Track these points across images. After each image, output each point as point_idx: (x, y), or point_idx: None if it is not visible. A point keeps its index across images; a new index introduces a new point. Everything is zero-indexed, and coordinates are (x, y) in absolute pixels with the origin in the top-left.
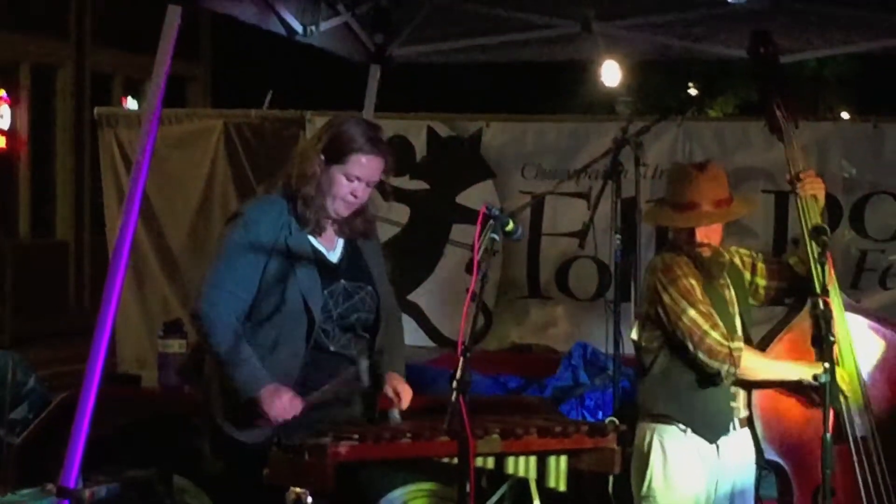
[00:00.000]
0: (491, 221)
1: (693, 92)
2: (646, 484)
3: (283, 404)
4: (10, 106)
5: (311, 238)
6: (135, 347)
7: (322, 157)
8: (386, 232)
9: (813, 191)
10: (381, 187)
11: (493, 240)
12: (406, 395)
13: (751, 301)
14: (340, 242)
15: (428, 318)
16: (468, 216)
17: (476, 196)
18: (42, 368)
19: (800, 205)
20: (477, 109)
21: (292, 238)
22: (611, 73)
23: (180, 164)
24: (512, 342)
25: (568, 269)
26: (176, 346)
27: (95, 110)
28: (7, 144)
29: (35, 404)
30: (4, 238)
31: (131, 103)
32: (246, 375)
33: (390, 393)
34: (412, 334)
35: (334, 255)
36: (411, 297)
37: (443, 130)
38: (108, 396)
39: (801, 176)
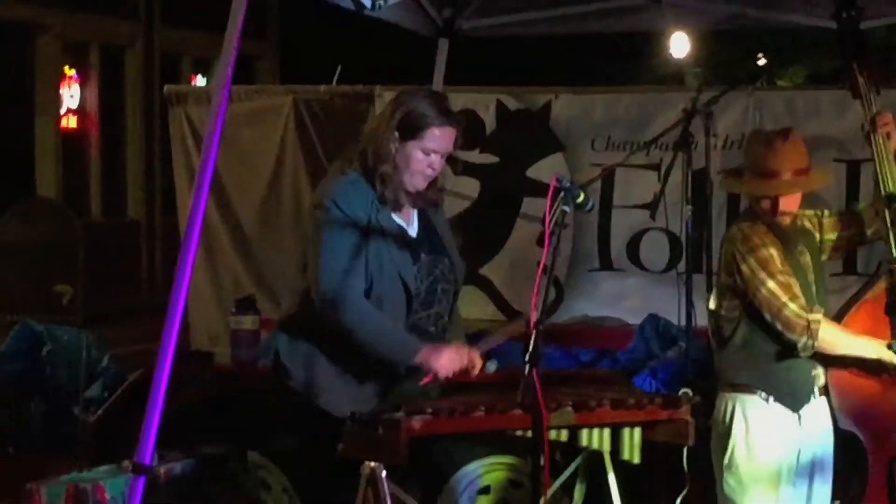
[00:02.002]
0: (562, 194)
1: (762, 62)
2: (728, 454)
3: (449, 358)
4: (81, 86)
5: (393, 215)
6: (207, 325)
7: (396, 135)
8: (456, 206)
9: (887, 129)
10: (449, 160)
11: (565, 212)
12: (477, 361)
13: (823, 258)
14: (415, 216)
15: (499, 292)
16: (538, 189)
17: (546, 169)
18: (115, 347)
19: (878, 169)
20: (545, 82)
21: (381, 216)
22: (679, 45)
23: (250, 140)
24: (584, 315)
25: (639, 242)
26: (248, 322)
27: (165, 88)
28: (78, 124)
29: (110, 382)
30: (76, 218)
31: (200, 82)
32: (398, 346)
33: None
34: (483, 308)
35: (413, 230)
36: (482, 271)
37: (512, 104)
38: (181, 374)
39: (877, 117)
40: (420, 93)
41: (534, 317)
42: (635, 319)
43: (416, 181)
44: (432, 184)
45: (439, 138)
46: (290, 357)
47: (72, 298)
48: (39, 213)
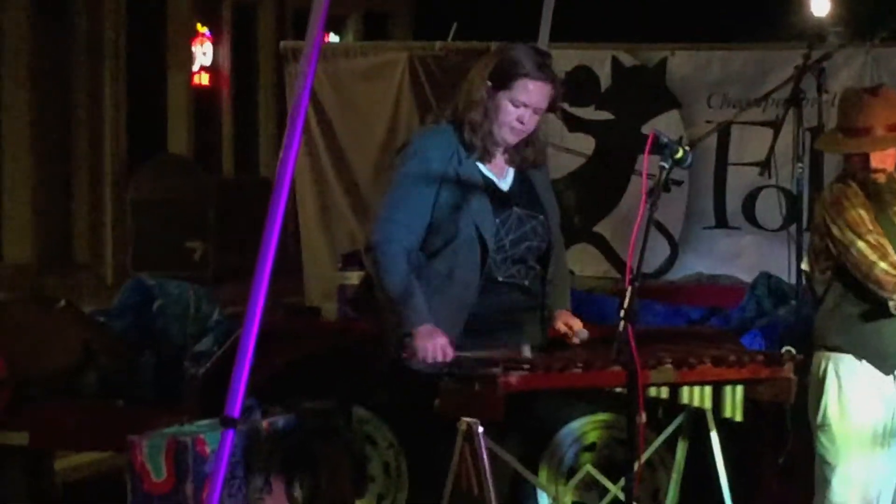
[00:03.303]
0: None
1: None
2: (821, 413)
3: (435, 346)
4: (213, 43)
5: (480, 165)
6: (321, 281)
7: (488, 84)
8: (570, 163)
9: None
10: (565, 117)
11: (662, 167)
12: (579, 328)
13: None
14: (511, 171)
15: (613, 249)
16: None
17: (661, 126)
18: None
19: None
20: (660, 38)
21: (462, 167)
22: (820, 2)
23: (366, 97)
24: (698, 273)
25: (755, 199)
26: (354, 277)
27: (281, 44)
28: (210, 81)
29: (220, 337)
30: (208, 175)
31: (333, 39)
32: (409, 310)
33: (563, 328)
34: (597, 265)
35: (505, 183)
36: (597, 228)
37: (627, 60)
38: (287, 329)
39: None
40: (521, 46)
41: (629, 272)
42: (750, 277)
43: (504, 133)
44: (532, 143)
45: (531, 92)
46: (372, 312)
47: (203, 254)
48: (171, 170)
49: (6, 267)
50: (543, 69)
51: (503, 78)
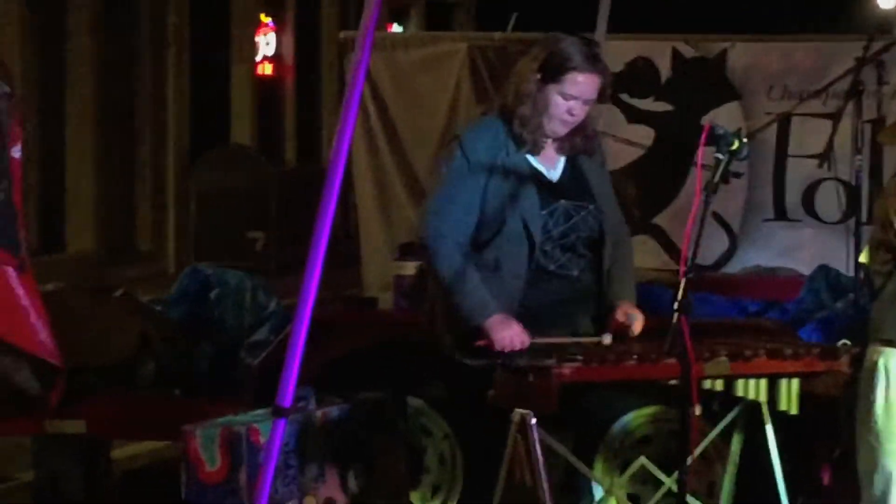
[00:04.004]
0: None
1: None
2: (868, 408)
3: (512, 335)
4: (277, 33)
5: (529, 158)
6: (379, 272)
7: (538, 76)
8: (630, 154)
9: None
10: (622, 107)
11: (717, 159)
12: (638, 322)
13: None
14: (561, 161)
15: (672, 241)
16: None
17: (722, 118)
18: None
19: None
20: (721, 29)
21: (510, 159)
22: None
23: (425, 87)
24: (756, 265)
25: (815, 192)
26: (411, 268)
27: (341, 34)
28: (273, 72)
29: (277, 327)
30: (270, 165)
31: (396, 30)
32: (474, 303)
33: (622, 319)
34: (656, 257)
35: (555, 174)
36: (656, 219)
37: (687, 51)
38: (342, 320)
39: None
40: (569, 37)
41: (683, 264)
42: (807, 271)
43: (554, 126)
44: (581, 130)
45: (581, 84)
46: (426, 304)
47: (265, 244)
48: (234, 160)
49: (69, 257)
50: (592, 61)
51: (552, 71)
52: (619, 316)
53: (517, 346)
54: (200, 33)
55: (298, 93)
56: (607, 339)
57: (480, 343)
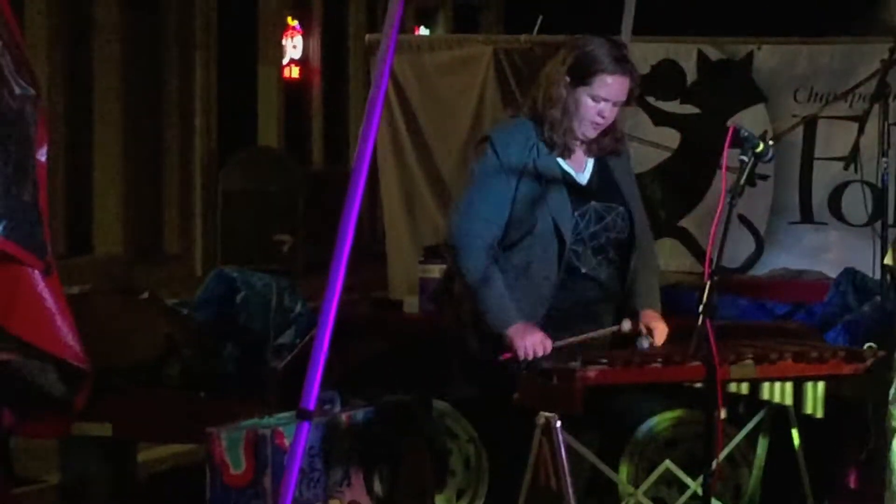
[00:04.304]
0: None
1: None
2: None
3: (534, 342)
4: (303, 36)
5: (559, 160)
6: (405, 275)
7: (567, 80)
8: (656, 157)
9: None
10: (648, 109)
11: (742, 161)
12: (660, 332)
13: None
14: (590, 163)
15: (698, 244)
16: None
17: (748, 120)
18: None
19: None
20: (747, 32)
21: (541, 161)
22: None
23: (450, 90)
24: (783, 268)
25: (841, 194)
26: (436, 270)
27: (367, 37)
28: (300, 74)
29: (302, 330)
30: (298, 168)
31: (423, 31)
32: (496, 310)
33: (644, 330)
34: (681, 260)
35: (584, 177)
36: (682, 222)
37: (713, 54)
38: (368, 322)
39: None
40: (596, 39)
41: (707, 267)
42: (834, 273)
43: (584, 128)
44: (610, 132)
45: (610, 86)
46: (452, 306)
47: (292, 247)
48: (261, 162)
49: (97, 259)
50: (621, 62)
51: (581, 74)
52: (642, 326)
53: (540, 353)
54: (227, 36)
55: (325, 95)
56: (626, 325)
57: (505, 356)
